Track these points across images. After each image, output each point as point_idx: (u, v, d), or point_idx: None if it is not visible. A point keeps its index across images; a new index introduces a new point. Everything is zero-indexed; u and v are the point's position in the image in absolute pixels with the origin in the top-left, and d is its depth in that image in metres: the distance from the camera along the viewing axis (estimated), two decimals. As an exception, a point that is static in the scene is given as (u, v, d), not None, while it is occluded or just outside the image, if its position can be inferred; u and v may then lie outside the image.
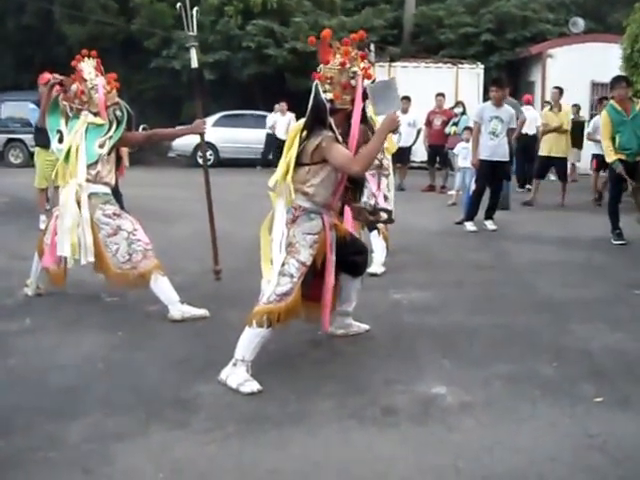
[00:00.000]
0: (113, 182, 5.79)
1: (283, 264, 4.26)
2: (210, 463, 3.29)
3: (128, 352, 4.76)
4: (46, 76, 9.60)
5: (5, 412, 3.80)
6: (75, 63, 5.71)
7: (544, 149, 12.57)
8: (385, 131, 4.31)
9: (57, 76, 6.24)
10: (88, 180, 5.55)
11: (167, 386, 4.16)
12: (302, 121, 4.34)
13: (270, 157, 17.43)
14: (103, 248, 5.49)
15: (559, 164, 12.86)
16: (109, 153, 5.64)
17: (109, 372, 4.40)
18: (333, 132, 4.22)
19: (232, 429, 3.61)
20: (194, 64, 6.05)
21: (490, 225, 9.73)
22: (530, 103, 14.78)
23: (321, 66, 4.28)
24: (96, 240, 5.49)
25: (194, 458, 3.33)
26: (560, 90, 13.10)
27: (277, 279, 4.24)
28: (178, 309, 5.45)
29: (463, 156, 11.64)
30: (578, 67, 18.46)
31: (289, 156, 4.27)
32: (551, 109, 12.84)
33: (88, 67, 5.71)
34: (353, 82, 4.23)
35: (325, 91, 4.21)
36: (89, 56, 5.75)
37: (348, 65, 4.24)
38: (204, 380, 4.22)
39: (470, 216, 9.73)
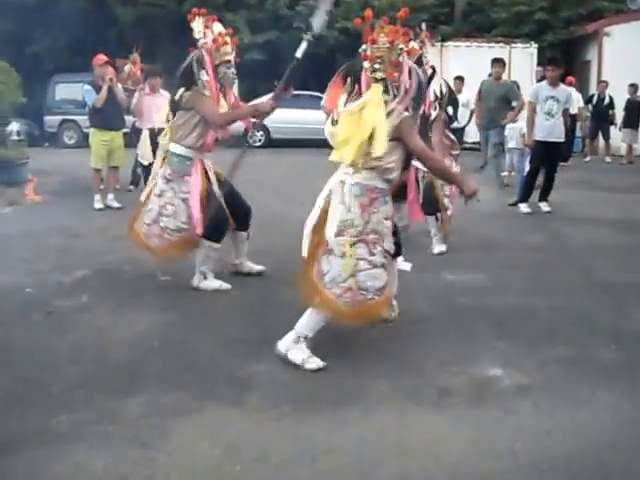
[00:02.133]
0: (198, 146, 5.56)
1: (372, 254, 4.13)
2: (266, 441, 3.30)
3: (183, 330, 4.80)
4: (101, 57, 9.76)
5: (65, 387, 3.87)
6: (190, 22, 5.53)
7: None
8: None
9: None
10: (172, 139, 5.61)
11: (222, 364, 4.19)
12: (371, 96, 4.25)
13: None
14: (146, 202, 5.69)
15: None
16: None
17: (165, 350, 4.45)
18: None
19: (288, 408, 3.62)
20: (299, 54, 5.52)
21: (544, 207, 9.58)
22: (572, 84, 14.48)
23: (365, 46, 4.25)
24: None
25: (250, 436, 3.35)
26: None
27: (375, 272, 4.15)
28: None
29: (511, 137, 11.51)
30: (636, 45, 17.98)
31: (372, 131, 4.10)
32: None
33: (198, 26, 5.50)
34: (400, 59, 4.22)
35: (375, 70, 4.18)
36: (199, 14, 5.51)
37: (397, 42, 4.22)
38: (259, 359, 4.24)
39: (524, 197, 9.60)
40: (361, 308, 4.15)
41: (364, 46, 4.23)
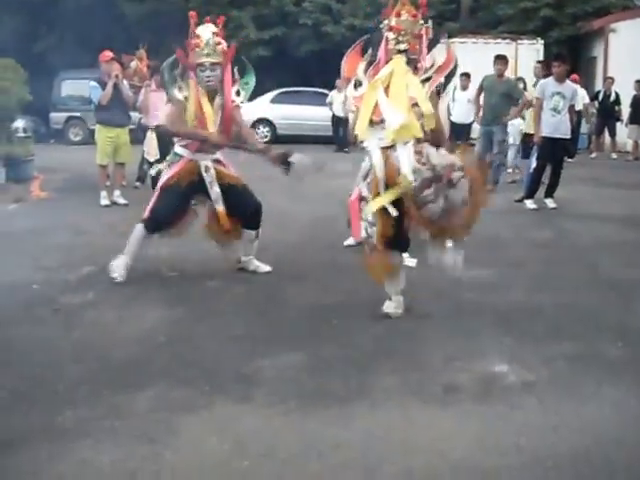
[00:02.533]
0: (184, 145, 5.68)
1: (452, 182, 4.49)
2: (274, 437, 3.31)
3: (189, 326, 4.81)
4: (107, 54, 9.77)
5: (71, 384, 3.88)
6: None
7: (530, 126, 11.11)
8: None
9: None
10: None
11: (229, 360, 4.20)
12: (396, 67, 4.41)
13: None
14: None
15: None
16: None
17: (171, 346, 4.45)
18: None
19: (294, 403, 3.63)
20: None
21: (550, 203, 9.56)
22: (577, 82, 14.39)
23: (389, 19, 4.45)
24: None
25: (258, 431, 3.36)
26: (543, 64, 12.61)
27: (459, 187, 4.55)
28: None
29: (510, 133, 11.47)
30: (642, 42, 17.95)
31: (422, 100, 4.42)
32: (535, 85, 12.25)
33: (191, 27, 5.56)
34: (422, 31, 4.45)
35: (399, 42, 4.34)
36: (192, 17, 5.58)
37: (419, 16, 4.47)
38: (265, 355, 4.24)
39: (531, 194, 9.58)
40: (464, 220, 4.58)
41: (387, 20, 4.44)
